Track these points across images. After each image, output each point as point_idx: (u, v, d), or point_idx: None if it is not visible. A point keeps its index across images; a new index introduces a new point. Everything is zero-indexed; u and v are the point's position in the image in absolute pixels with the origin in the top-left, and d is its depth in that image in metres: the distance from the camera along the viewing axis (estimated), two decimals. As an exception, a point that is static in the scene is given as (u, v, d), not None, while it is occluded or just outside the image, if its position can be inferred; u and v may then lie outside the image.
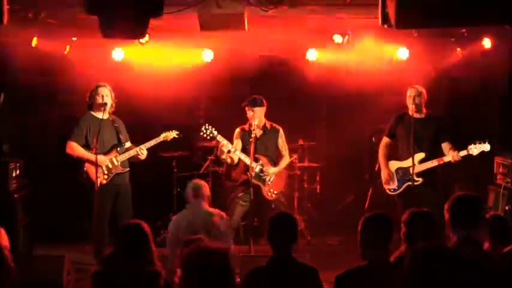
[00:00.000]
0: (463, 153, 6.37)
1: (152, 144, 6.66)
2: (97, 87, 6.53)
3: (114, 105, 6.61)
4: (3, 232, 4.18)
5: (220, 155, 6.64)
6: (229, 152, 6.53)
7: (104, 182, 6.40)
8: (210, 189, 8.06)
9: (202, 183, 5.75)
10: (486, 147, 6.33)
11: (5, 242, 4.12)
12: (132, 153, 6.56)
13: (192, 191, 5.63)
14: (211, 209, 5.62)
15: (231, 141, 6.67)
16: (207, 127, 6.53)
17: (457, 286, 2.61)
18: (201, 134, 6.56)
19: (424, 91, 6.61)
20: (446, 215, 3.72)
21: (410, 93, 6.58)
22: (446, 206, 3.76)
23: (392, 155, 6.83)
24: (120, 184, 6.55)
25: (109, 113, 6.60)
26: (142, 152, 6.56)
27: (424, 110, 6.64)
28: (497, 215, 4.55)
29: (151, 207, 7.67)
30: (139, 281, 3.78)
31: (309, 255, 5.10)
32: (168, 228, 5.77)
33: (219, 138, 6.51)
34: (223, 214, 5.66)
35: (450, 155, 6.39)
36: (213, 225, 5.38)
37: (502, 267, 3.43)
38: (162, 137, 6.72)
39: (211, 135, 6.52)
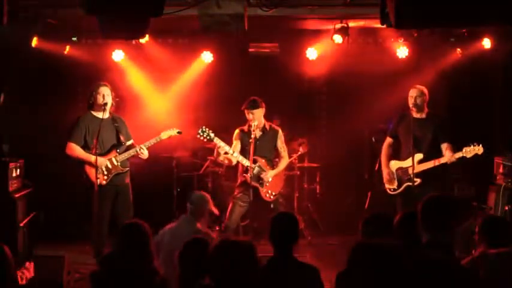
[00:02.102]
0: (459, 154, 6.38)
1: (153, 143, 6.65)
2: (98, 86, 6.51)
3: (114, 104, 6.60)
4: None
5: (217, 156, 6.63)
6: (226, 153, 6.52)
7: (104, 182, 6.39)
8: (210, 189, 8.17)
9: (206, 199, 5.48)
10: (479, 150, 6.33)
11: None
12: (132, 152, 6.55)
13: (191, 206, 5.40)
14: (203, 230, 5.35)
15: (229, 142, 6.66)
16: (203, 129, 6.50)
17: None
18: (198, 136, 6.53)
19: (425, 91, 6.60)
20: (418, 216, 3.71)
21: (411, 93, 6.57)
22: (418, 208, 3.74)
23: (395, 154, 6.83)
24: (119, 184, 6.54)
25: (109, 112, 6.58)
26: (142, 151, 6.55)
27: (426, 110, 6.62)
28: (494, 216, 4.52)
29: (151, 207, 7.66)
30: (137, 281, 3.78)
31: (309, 255, 5.10)
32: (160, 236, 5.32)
33: (216, 140, 6.49)
34: (212, 236, 5.36)
35: (446, 157, 6.40)
36: None
37: (465, 274, 3.38)
38: (163, 135, 6.71)
39: (208, 137, 6.49)
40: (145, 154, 6.58)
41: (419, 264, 3.26)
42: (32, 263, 4.96)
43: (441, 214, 3.61)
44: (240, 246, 2.98)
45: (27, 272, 4.80)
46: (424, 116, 6.61)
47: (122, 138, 6.58)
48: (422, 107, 6.57)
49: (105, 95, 6.45)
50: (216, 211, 5.75)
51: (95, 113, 6.51)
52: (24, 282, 4.66)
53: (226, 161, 6.68)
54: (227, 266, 2.91)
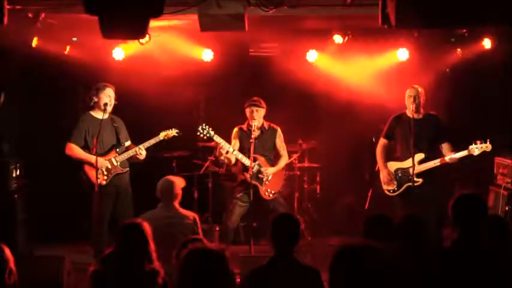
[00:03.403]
0: (464, 153, 6.37)
1: (152, 144, 6.65)
2: (104, 87, 6.48)
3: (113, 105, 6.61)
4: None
5: (219, 156, 6.64)
6: (227, 152, 6.53)
7: (104, 183, 6.39)
8: (210, 189, 8.18)
9: (175, 180, 5.56)
10: (488, 147, 6.33)
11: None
12: (131, 153, 6.56)
13: (163, 190, 5.47)
14: (184, 211, 5.51)
15: (228, 141, 6.66)
16: (203, 127, 6.52)
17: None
18: (198, 134, 6.55)
19: (423, 91, 6.61)
20: (450, 213, 3.75)
21: (410, 93, 6.58)
22: (450, 204, 3.78)
23: (388, 156, 6.83)
24: (119, 184, 6.54)
25: (108, 113, 6.58)
26: (141, 152, 6.55)
27: (422, 111, 6.64)
28: (495, 216, 4.55)
29: (151, 207, 7.66)
30: (138, 280, 3.78)
31: (309, 255, 5.10)
32: None
33: (216, 138, 6.51)
34: (196, 216, 5.54)
35: (449, 156, 6.40)
36: (186, 228, 5.30)
37: (501, 266, 3.45)
38: (162, 135, 6.71)
39: (208, 135, 6.51)
40: (143, 155, 6.58)
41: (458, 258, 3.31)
42: None
43: (477, 210, 3.66)
44: (209, 256, 2.94)
45: None
46: (421, 116, 6.62)
47: (121, 138, 6.58)
48: (420, 107, 6.58)
49: (111, 97, 6.47)
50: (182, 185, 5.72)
51: (94, 114, 6.51)
52: None
53: (226, 160, 6.69)
54: (196, 276, 2.87)
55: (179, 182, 5.58)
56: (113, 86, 6.55)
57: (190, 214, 5.52)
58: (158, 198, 5.53)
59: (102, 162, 6.38)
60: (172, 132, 6.77)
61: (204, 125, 6.53)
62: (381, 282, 2.48)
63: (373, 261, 2.51)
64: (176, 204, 5.50)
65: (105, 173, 6.42)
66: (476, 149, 6.32)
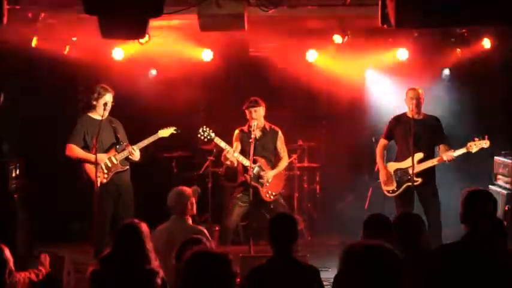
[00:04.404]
0: (462, 150, 6.39)
1: (151, 141, 6.62)
2: (105, 92, 6.45)
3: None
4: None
5: (225, 161, 6.65)
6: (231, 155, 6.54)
7: (104, 181, 6.38)
8: (210, 189, 8.17)
9: (186, 192, 5.43)
10: (486, 143, 6.33)
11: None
12: (126, 153, 6.54)
13: (175, 202, 5.37)
14: (194, 226, 5.43)
15: (230, 142, 6.66)
16: (204, 129, 6.51)
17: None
18: (199, 136, 6.55)
19: (422, 92, 6.63)
20: (460, 208, 3.78)
21: (411, 95, 6.58)
22: (460, 200, 3.81)
23: (388, 157, 6.84)
24: (120, 183, 6.53)
25: (106, 114, 6.56)
26: (133, 152, 6.50)
27: (422, 111, 6.65)
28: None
29: (151, 207, 7.66)
30: (137, 280, 3.78)
31: (309, 255, 5.09)
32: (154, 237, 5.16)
33: (217, 140, 6.51)
34: (205, 231, 5.37)
35: (446, 155, 6.41)
36: None
37: (501, 266, 3.45)
38: (159, 134, 6.68)
39: (208, 137, 6.51)
40: (136, 155, 6.53)
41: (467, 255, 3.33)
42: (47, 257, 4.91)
43: (485, 205, 3.67)
44: (214, 259, 2.92)
45: (43, 268, 4.79)
46: (421, 116, 6.63)
47: (119, 137, 6.57)
48: (420, 108, 6.60)
49: (110, 102, 6.45)
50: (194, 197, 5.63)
51: (92, 115, 6.50)
52: (40, 278, 4.62)
53: (228, 163, 6.69)
54: (198, 279, 2.86)
55: (192, 193, 5.50)
56: (112, 90, 6.52)
57: (201, 229, 5.43)
58: (168, 207, 5.42)
59: (103, 157, 6.37)
60: (170, 130, 6.75)
61: (204, 127, 6.53)
62: (392, 282, 2.47)
63: (384, 261, 2.51)
64: (188, 217, 5.41)
65: (105, 170, 6.41)
66: (474, 145, 6.33)
